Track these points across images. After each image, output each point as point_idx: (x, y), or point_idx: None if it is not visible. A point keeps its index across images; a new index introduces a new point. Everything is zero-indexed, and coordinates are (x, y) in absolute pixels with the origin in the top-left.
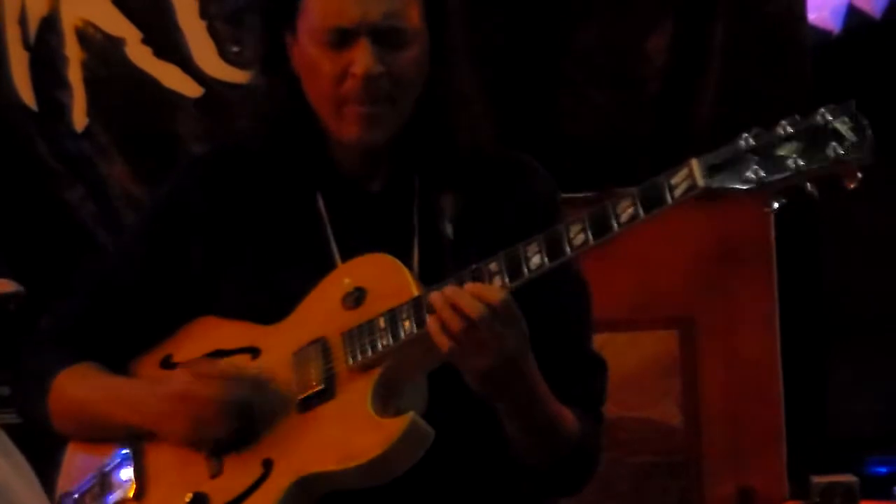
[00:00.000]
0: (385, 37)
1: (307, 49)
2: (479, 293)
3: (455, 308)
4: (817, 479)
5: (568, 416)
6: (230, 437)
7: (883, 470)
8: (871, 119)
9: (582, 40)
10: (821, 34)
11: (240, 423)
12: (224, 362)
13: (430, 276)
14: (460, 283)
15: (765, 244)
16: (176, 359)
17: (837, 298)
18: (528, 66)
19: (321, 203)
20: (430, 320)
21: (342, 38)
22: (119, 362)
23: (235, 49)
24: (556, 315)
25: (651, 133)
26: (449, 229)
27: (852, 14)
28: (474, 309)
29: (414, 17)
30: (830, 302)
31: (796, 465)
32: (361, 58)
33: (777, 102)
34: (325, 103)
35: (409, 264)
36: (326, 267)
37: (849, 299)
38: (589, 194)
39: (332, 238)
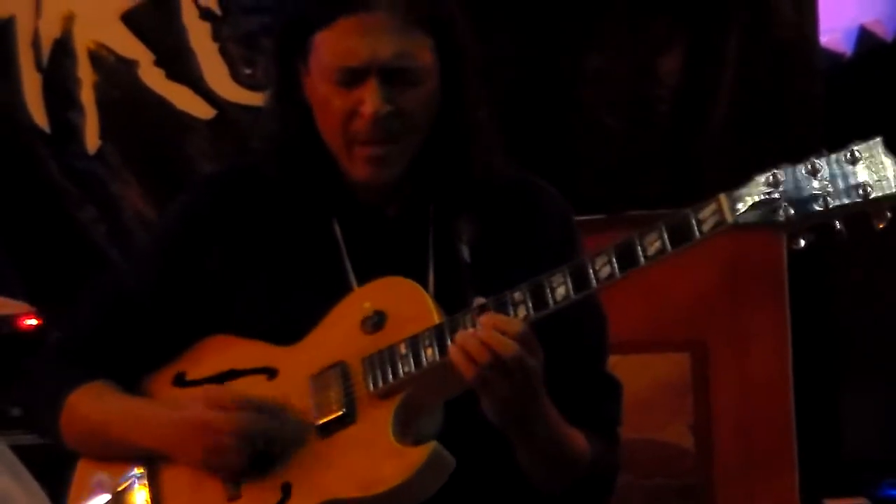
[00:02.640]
0: (394, 76)
1: (318, 85)
2: (502, 327)
3: (482, 342)
4: (829, 503)
5: (579, 440)
6: (244, 466)
7: (895, 493)
8: (883, 140)
9: (594, 63)
10: (833, 56)
11: (255, 454)
12: (240, 389)
13: (446, 300)
14: (482, 311)
15: (777, 267)
16: (189, 377)
17: (850, 321)
18: (540, 88)
19: (337, 227)
20: (454, 349)
21: (352, 77)
22: (131, 379)
23: (248, 71)
24: (573, 336)
25: (663, 155)
26: (465, 253)
27: (864, 36)
28: (499, 343)
29: (425, 56)
30: (843, 325)
31: (809, 487)
32: (370, 98)
33: (789, 125)
34: (335, 140)
35: (424, 288)
36: (342, 290)
37: (861, 322)
38: (602, 216)
39: (347, 262)
